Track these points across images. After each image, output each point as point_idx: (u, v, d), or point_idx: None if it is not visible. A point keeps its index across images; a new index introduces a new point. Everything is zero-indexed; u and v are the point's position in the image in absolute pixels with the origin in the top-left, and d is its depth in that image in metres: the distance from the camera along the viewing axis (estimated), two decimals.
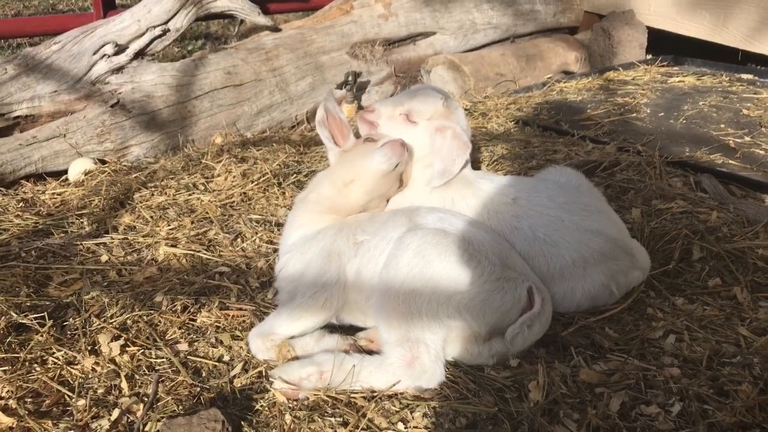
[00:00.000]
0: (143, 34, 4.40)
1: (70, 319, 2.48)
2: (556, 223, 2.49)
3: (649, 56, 5.97)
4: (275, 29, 5.04)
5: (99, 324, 2.42)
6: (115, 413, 2.01)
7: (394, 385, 2.06)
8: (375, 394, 2.06)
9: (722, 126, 4.29)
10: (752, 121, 4.34)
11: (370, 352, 2.23)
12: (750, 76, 5.34)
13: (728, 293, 2.54)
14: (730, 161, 3.70)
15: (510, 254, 2.28)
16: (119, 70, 4.28)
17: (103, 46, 4.25)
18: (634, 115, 4.58)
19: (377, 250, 2.30)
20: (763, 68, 5.41)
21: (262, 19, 4.85)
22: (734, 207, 3.09)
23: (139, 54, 4.40)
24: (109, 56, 4.24)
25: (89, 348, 2.30)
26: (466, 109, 4.81)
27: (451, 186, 2.68)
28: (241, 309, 2.54)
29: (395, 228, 2.32)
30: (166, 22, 4.47)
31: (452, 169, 2.64)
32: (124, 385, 2.15)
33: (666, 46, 6.01)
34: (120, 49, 4.29)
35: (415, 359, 2.07)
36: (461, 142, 2.67)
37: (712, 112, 4.58)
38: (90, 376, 2.20)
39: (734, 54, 5.61)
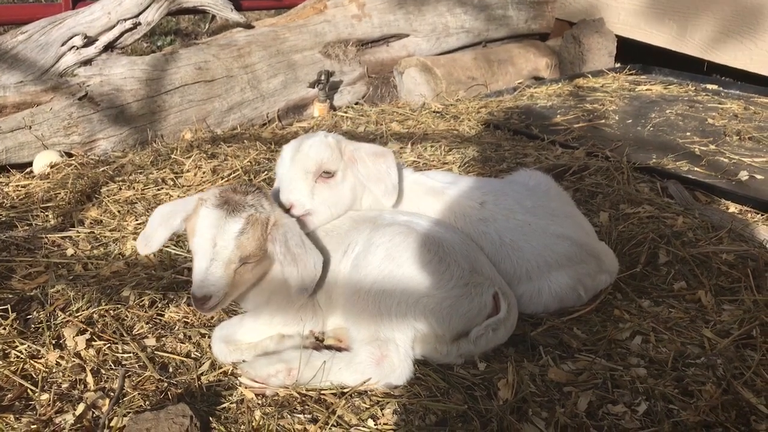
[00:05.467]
0: (113, 26, 4.34)
1: (34, 313, 2.43)
2: (523, 228, 2.49)
3: (618, 64, 6.07)
4: (248, 26, 5.01)
5: (64, 318, 2.37)
6: (80, 408, 1.97)
7: (364, 382, 2.06)
8: (345, 391, 2.06)
9: (688, 134, 4.38)
10: (717, 130, 4.44)
11: (338, 351, 2.22)
12: (715, 87, 5.48)
13: (693, 296, 2.58)
14: (696, 168, 3.77)
15: (478, 257, 2.29)
16: (88, 62, 4.21)
17: (71, 37, 4.17)
18: (603, 121, 4.65)
19: (342, 265, 2.27)
20: (727, 79, 5.55)
21: (235, 16, 4.82)
22: (699, 213, 3.15)
23: (109, 47, 4.33)
24: (77, 48, 4.17)
25: (54, 342, 2.26)
26: (437, 112, 4.84)
27: (412, 196, 2.61)
28: (205, 312, 2.51)
29: (359, 233, 2.29)
30: (137, 15, 4.41)
31: (391, 181, 2.50)
32: (90, 379, 2.11)
33: (634, 55, 6.12)
34: (89, 41, 4.21)
35: (384, 357, 2.07)
36: (379, 152, 2.53)
37: (678, 120, 4.67)
38: (54, 370, 2.15)
39: (700, 64, 5.74)
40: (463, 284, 2.12)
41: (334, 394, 2.05)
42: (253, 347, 2.21)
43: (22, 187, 3.57)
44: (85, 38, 4.17)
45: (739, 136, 4.28)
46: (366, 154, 2.48)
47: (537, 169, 3.16)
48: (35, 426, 1.91)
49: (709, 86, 5.49)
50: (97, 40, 4.26)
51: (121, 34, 4.36)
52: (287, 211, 2.33)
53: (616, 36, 6.01)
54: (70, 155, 3.96)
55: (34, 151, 3.89)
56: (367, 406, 2.01)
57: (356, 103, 5.25)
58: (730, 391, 2.04)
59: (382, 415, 1.98)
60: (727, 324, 2.38)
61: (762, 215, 3.23)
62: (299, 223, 2.28)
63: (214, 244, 2.04)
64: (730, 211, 3.29)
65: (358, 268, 2.15)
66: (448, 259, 2.14)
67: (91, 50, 4.21)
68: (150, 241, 2.20)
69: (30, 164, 3.85)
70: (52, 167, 3.76)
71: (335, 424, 1.93)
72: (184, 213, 2.14)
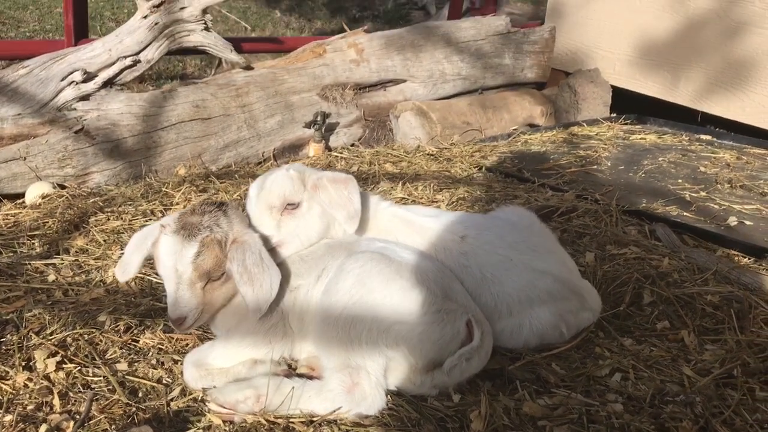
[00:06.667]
0: (113, 63, 4.41)
1: (8, 336, 2.41)
2: (504, 263, 2.48)
3: (614, 114, 6.13)
4: (247, 67, 5.09)
5: (37, 341, 2.35)
6: (43, 429, 1.94)
7: (334, 411, 2.02)
8: (314, 419, 2.02)
9: (680, 181, 4.39)
10: (709, 178, 4.45)
11: (311, 379, 2.19)
12: (709, 137, 5.51)
13: (676, 336, 2.54)
14: (685, 213, 3.77)
15: (452, 284, 2.26)
16: (86, 97, 4.27)
17: (71, 72, 4.24)
18: (595, 167, 4.67)
19: (315, 290, 2.26)
20: (721, 130, 5.59)
21: (235, 56, 4.90)
22: (686, 255, 3.14)
23: (108, 83, 4.40)
24: (77, 83, 4.23)
25: (23, 364, 2.23)
26: (431, 155, 4.88)
27: (391, 228, 2.60)
28: (185, 333, 2.49)
29: (334, 259, 2.29)
30: (137, 53, 4.50)
31: (354, 207, 2.47)
32: (56, 402, 2.07)
33: (630, 105, 6.18)
34: (89, 77, 4.28)
35: (356, 386, 2.04)
36: (341, 179, 2.52)
37: (670, 167, 4.69)
38: (21, 392, 2.12)
39: (695, 115, 5.80)
40: (435, 311, 2.09)
41: (303, 423, 2.01)
42: (225, 373, 2.19)
43: (11, 216, 3.58)
44: (84, 74, 4.24)
45: (730, 184, 4.28)
46: (328, 182, 2.49)
47: (520, 205, 3.16)
48: None
49: (704, 136, 5.53)
50: (96, 76, 4.33)
51: (121, 71, 4.44)
52: None
53: (611, 86, 6.09)
54: (63, 187, 3.99)
55: (27, 182, 3.92)
56: None
57: (352, 145, 5.29)
58: (708, 429, 1.99)
59: None
60: (708, 363, 2.34)
61: (749, 259, 3.21)
62: (272, 254, 2.29)
63: (176, 269, 2.12)
64: (717, 254, 3.27)
65: (329, 294, 2.13)
66: (420, 285, 2.12)
67: (90, 85, 4.28)
68: (127, 267, 2.28)
69: (22, 195, 3.88)
70: (43, 198, 3.78)
71: None
72: (153, 237, 2.22)
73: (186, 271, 2.12)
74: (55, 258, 3.07)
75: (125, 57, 4.43)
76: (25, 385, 2.14)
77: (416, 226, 2.60)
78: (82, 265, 3.02)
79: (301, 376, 2.21)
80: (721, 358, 2.35)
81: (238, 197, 3.74)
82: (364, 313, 2.07)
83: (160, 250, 2.16)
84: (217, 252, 2.16)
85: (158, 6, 4.53)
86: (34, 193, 3.84)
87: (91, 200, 3.73)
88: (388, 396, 2.10)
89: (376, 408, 2.04)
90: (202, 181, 4.08)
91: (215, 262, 2.15)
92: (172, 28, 4.60)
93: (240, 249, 2.18)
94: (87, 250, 3.17)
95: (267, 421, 2.01)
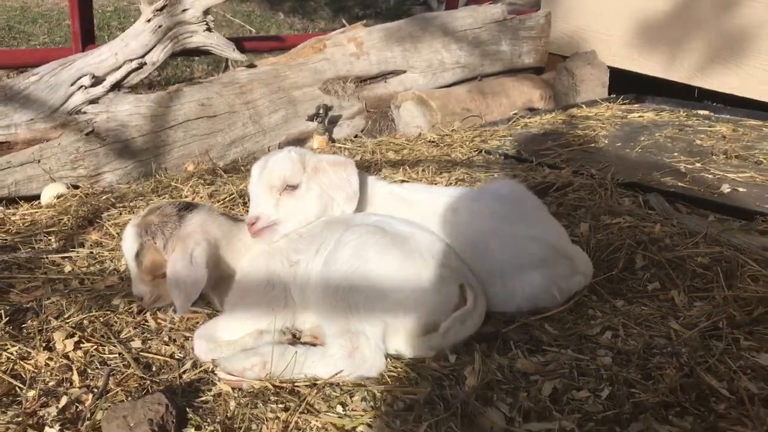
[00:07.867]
0: (120, 66, 4.55)
1: (29, 321, 2.55)
2: (495, 231, 2.58)
3: (612, 95, 6.20)
4: (250, 65, 5.22)
5: (56, 324, 2.49)
6: (63, 400, 2.07)
7: (336, 374, 2.14)
8: (317, 382, 2.14)
9: (675, 154, 4.46)
10: (704, 150, 4.52)
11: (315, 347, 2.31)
12: (706, 112, 5.57)
13: (666, 296, 2.64)
14: (680, 183, 3.85)
15: (445, 251, 2.37)
16: (95, 100, 4.41)
17: (80, 77, 4.38)
18: (593, 145, 4.76)
19: (315, 263, 2.37)
20: (718, 105, 5.65)
21: (237, 55, 5.03)
22: (678, 221, 3.22)
23: (116, 86, 4.54)
24: (86, 87, 4.37)
25: (44, 344, 2.37)
26: (432, 142, 4.98)
27: (386, 205, 2.72)
28: (195, 312, 2.62)
29: (332, 234, 2.40)
30: (142, 56, 4.63)
31: (352, 189, 2.60)
32: (76, 377, 2.21)
33: (628, 85, 6.25)
34: (97, 81, 4.42)
35: (356, 350, 2.16)
36: (340, 162, 2.64)
37: (667, 142, 4.77)
38: (43, 370, 2.25)
39: (692, 91, 5.86)
40: (429, 277, 2.21)
41: (307, 386, 2.13)
42: (232, 344, 2.31)
43: (28, 215, 3.73)
44: (93, 78, 4.39)
45: (725, 155, 4.35)
46: (327, 164, 2.62)
47: (512, 179, 3.26)
48: (20, 418, 2.01)
49: (701, 112, 5.59)
50: (104, 79, 4.47)
51: (128, 74, 4.57)
52: (252, 224, 2.50)
53: (609, 67, 6.16)
54: (76, 187, 4.13)
55: (42, 184, 4.07)
56: (338, 395, 2.08)
57: (356, 136, 5.41)
58: (692, 376, 2.09)
59: (351, 402, 2.05)
60: (695, 318, 2.44)
61: (740, 222, 3.29)
62: (267, 231, 2.51)
63: (127, 259, 2.48)
64: (709, 219, 3.35)
65: (328, 265, 2.25)
66: (414, 254, 2.24)
67: (98, 89, 4.42)
68: None
69: (38, 197, 4.02)
70: (58, 198, 3.93)
71: (305, 411, 2.01)
72: None
73: (131, 266, 2.46)
74: (71, 251, 3.21)
75: (131, 60, 4.57)
76: (46, 364, 2.28)
77: (410, 201, 2.72)
78: (97, 256, 3.16)
79: (305, 344, 2.33)
80: (708, 313, 2.45)
81: (244, 188, 3.87)
82: (361, 281, 2.19)
83: (123, 237, 2.46)
84: (155, 256, 2.40)
85: (161, 9, 4.67)
86: (48, 194, 3.99)
87: (104, 197, 3.88)
88: (388, 359, 2.22)
89: (376, 370, 2.16)
90: (210, 176, 4.22)
91: (153, 264, 2.42)
92: (176, 30, 4.73)
93: (176, 252, 2.36)
94: (101, 243, 3.31)
95: (273, 385, 2.13)
